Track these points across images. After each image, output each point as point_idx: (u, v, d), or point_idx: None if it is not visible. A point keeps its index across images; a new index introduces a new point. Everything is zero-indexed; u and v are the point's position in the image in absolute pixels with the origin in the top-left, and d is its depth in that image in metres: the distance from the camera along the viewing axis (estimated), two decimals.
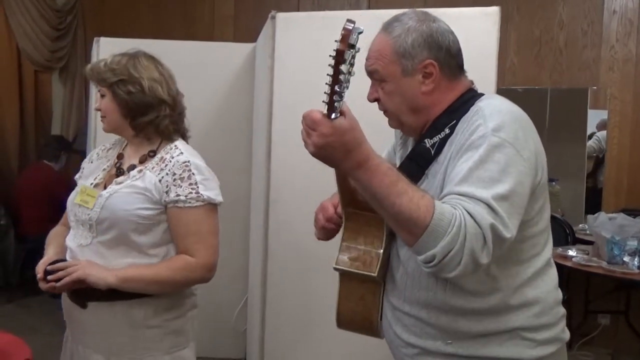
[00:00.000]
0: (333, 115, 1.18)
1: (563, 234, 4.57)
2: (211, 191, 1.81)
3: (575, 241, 4.50)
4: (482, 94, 1.49)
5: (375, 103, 1.51)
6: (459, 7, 2.94)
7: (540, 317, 1.41)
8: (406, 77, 1.43)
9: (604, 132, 4.91)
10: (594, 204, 4.74)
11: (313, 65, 2.77)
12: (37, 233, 5.14)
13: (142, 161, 1.87)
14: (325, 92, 1.18)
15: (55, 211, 5.51)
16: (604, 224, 3.78)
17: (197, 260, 1.78)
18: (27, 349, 1.93)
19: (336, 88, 1.15)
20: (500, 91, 2.89)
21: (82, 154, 5.20)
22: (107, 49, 4.05)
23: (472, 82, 1.51)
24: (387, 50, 1.43)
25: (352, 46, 1.14)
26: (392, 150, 1.70)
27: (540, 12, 4.83)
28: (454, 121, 1.40)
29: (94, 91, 4.01)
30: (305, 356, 3.23)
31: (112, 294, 1.74)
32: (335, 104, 1.17)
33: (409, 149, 1.55)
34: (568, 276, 4.36)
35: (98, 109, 1.90)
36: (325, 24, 2.98)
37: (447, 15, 2.91)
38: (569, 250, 4.02)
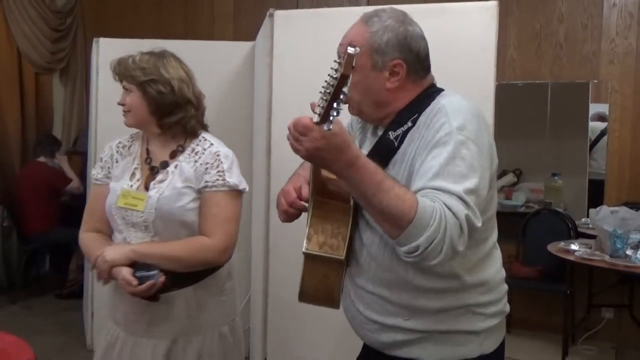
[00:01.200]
0: (325, 127, 1.24)
1: (565, 228, 4.57)
2: (236, 179, 1.93)
3: (578, 235, 4.50)
4: (442, 90, 1.57)
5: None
6: (457, 2, 2.93)
7: (489, 294, 1.55)
8: (374, 72, 1.51)
9: (593, 124, 4.92)
10: (596, 197, 4.74)
11: (312, 62, 2.78)
12: (39, 232, 5.19)
13: (173, 156, 1.96)
14: (319, 105, 1.24)
15: (55, 208, 5.52)
16: (606, 217, 3.78)
17: (213, 241, 1.88)
18: (30, 350, 1.93)
19: (334, 105, 1.21)
20: (501, 86, 2.91)
21: (84, 155, 5.21)
22: (106, 49, 4.06)
23: (433, 79, 1.60)
24: (362, 43, 1.49)
25: (353, 67, 1.19)
26: (349, 126, 1.76)
27: (540, 6, 4.81)
28: (416, 115, 1.50)
29: (94, 93, 4.05)
30: (307, 354, 3.23)
31: (181, 282, 1.88)
32: (331, 117, 1.23)
33: (368, 135, 1.65)
34: (571, 270, 4.37)
35: (122, 104, 1.95)
36: (323, 21, 2.98)
37: (446, 10, 2.95)
38: (572, 245, 4.02)
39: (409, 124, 1.50)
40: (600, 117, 4.88)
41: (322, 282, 1.60)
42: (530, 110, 5.00)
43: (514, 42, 4.86)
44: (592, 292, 4.54)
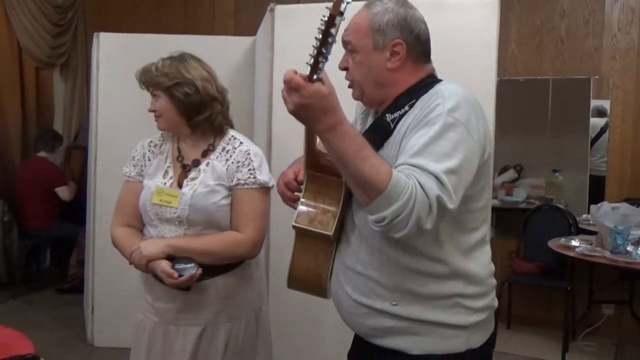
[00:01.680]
0: (315, 77, 1.28)
1: (566, 224, 4.57)
2: (265, 176, 2.03)
3: (579, 231, 4.50)
4: (441, 80, 1.60)
5: (344, 80, 1.62)
6: None
7: (476, 286, 1.56)
8: (375, 52, 1.55)
9: (593, 120, 4.92)
10: (596, 194, 4.73)
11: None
12: (40, 227, 5.20)
13: (204, 155, 2.05)
14: (310, 54, 1.27)
15: (55, 203, 5.52)
16: (607, 213, 3.77)
17: (244, 236, 1.99)
18: (31, 345, 1.94)
19: (323, 50, 1.25)
20: (502, 82, 2.90)
21: (85, 150, 5.22)
22: (107, 44, 4.06)
23: (433, 69, 1.63)
24: (364, 24, 1.55)
25: (342, 13, 1.23)
26: (352, 123, 1.79)
27: (541, 1, 4.80)
28: (414, 100, 1.53)
29: (95, 88, 4.05)
30: (309, 345, 3.23)
31: (212, 271, 1.98)
32: (320, 65, 1.27)
33: (369, 120, 1.68)
34: (572, 266, 4.37)
35: (153, 110, 2.04)
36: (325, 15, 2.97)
37: (447, 5, 2.95)
38: (573, 241, 4.02)
39: (406, 108, 1.53)
40: (600, 112, 4.88)
41: (311, 264, 1.63)
42: (531, 106, 5.00)
43: (515, 37, 4.85)
44: (592, 288, 4.54)
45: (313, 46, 1.26)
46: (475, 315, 1.56)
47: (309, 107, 1.32)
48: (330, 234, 1.56)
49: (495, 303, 1.64)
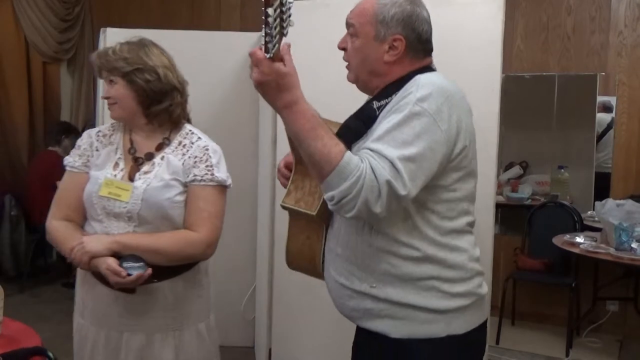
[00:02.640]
0: (267, 55, 1.32)
1: (571, 220, 4.56)
2: (223, 174, 1.91)
3: (584, 228, 4.50)
4: (434, 70, 1.62)
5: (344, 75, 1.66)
6: None
7: (454, 270, 1.56)
8: (375, 42, 1.57)
9: (599, 115, 4.89)
10: (602, 190, 4.72)
11: (318, 53, 2.77)
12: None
13: (159, 148, 1.92)
14: (261, 35, 1.31)
15: None
16: (612, 210, 3.77)
17: (199, 235, 1.85)
18: (37, 337, 1.95)
19: (266, 30, 1.28)
20: (508, 77, 2.90)
21: None
22: (113, 39, 4.03)
23: (431, 62, 1.64)
24: (370, 11, 1.57)
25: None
26: None
27: None
28: (401, 89, 1.54)
29: (102, 82, 4.06)
30: (312, 343, 3.25)
31: (160, 274, 1.80)
32: (268, 45, 1.30)
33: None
34: (576, 263, 4.36)
35: (107, 97, 1.90)
36: (330, 12, 2.97)
37: (452, 1, 2.94)
38: (577, 237, 4.02)
39: (393, 96, 1.54)
40: (606, 108, 4.85)
41: (305, 244, 1.66)
42: (537, 102, 4.99)
43: (521, 33, 4.84)
44: (597, 285, 4.54)
45: (263, 26, 1.30)
46: (455, 300, 1.55)
47: (267, 84, 1.37)
48: (314, 213, 1.59)
49: (482, 290, 1.63)
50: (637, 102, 4.59)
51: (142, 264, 1.75)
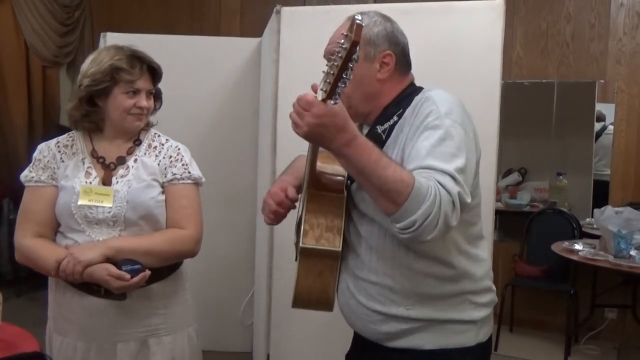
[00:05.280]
0: (332, 102, 1.30)
1: (570, 227, 4.56)
2: (197, 171, 1.95)
3: (582, 235, 4.50)
4: (421, 88, 1.64)
5: None
6: (464, 0, 2.93)
7: (481, 281, 1.61)
8: (366, 63, 1.58)
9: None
10: (602, 197, 4.73)
11: (318, 59, 2.77)
12: None
13: (130, 152, 1.93)
14: (327, 81, 1.29)
15: None
16: (611, 217, 3.77)
17: (188, 232, 1.88)
18: (35, 342, 1.94)
19: (343, 75, 1.25)
20: (507, 84, 2.90)
21: None
22: (114, 44, 4.07)
23: (413, 78, 1.67)
24: None
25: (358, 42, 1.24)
26: None
27: (547, 4, 4.80)
28: (401, 110, 1.57)
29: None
30: (310, 349, 3.24)
31: (150, 277, 1.77)
32: (338, 89, 1.28)
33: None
34: (575, 270, 4.36)
35: (146, 107, 1.90)
36: (330, 18, 2.96)
37: (452, 8, 2.95)
38: (576, 244, 4.02)
39: (395, 118, 1.57)
40: (597, 117, 4.89)
41: (316, 281, 1.62)
42: (536, 109, 5.00)
43: (520, 40, 4.85)
44: (595, 292, 4.54)
45: (327, 71, 1.28)
46: (483, 310, 1.61)
47: (323, 126, 1.33)
48: (339, 249, 1.56)
49: (496, 298, 1.69)
50: (636, 109, 4.61)
51: (139, 266, 1.74)
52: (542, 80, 4.85)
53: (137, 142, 1.94)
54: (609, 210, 3.87)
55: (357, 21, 1.22)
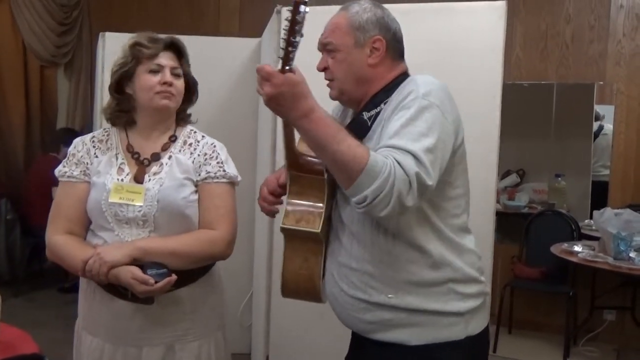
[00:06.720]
0: (287, 67, 1.33)
1: (569, 229, 4.56)
2: (233, 170, 1.88)
3: (581, 237, 4.50)
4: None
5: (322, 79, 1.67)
6: (465, 1, 2.93)
7: (466, 270, 1.60)
8: (357, 48, 1.60)
9: None
10: (600, 199, 4.73)
11: (318, 60, 2.77)
12: (43, 226, 5.19)
13: (165, 148, 1.86)
14: (280, 47, 1.32)
15: None
16: (610, 219, 3.77)
17: (220, 233, 1.80)
18: (33, 343, 1.93)
19: (291, 39, 1.30)
20: (506, 86, 2.89)
21: None
22: (112, 43, 4.05)
23: (406, 68, 1.68)
24: (344, 24, 1.62)
25: (305, 2, 1.29)
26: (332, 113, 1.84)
27: (547, 6, 4.80)
28: (389, 98, 1.58)
29: (100, 87, 4.05)
30: (309, 350, 3.23)
31: (178, 281, 1.71)
32: (290, 55, 1.32)
33: (347, 121, 1.70)
34: (574, 272, 4.36)
35: (170, 84, 1.81)
36: (328, 19, 2.97)
37: (454, 9, 2.95)
38: (575, 246, 4.02)
39: (382, 106, 1.58)
40: (594, 117, 4.90)
41: (302, 266, 1.64)
42: (535, 110, 4.99)
43: (520, 42, 4.85)
44: (594, 293, 4.54)
45: (282, 38, 1.31)
46: (471, 301, 1.60)
47: (281, 96, 1.35)
48: (318, 231, 1.57)
49: (488, 289, 1.69)
50: (635, 111, 4.61)
51: (165, 270, 1.66)
52: (541, 82, 4.85)
53: (173, 139, 1.88)
54: (608, 212, 3.87)
55: None
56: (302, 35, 1.31)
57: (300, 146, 1.59)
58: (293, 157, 1.60)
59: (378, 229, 1.55)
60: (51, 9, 5.85)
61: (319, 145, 1.41)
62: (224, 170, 1.85)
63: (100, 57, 4.00)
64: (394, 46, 1.64)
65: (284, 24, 1.30)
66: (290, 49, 1.31)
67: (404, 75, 1.65)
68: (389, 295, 1.56)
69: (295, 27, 1.28)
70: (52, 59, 5.98)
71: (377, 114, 1.58)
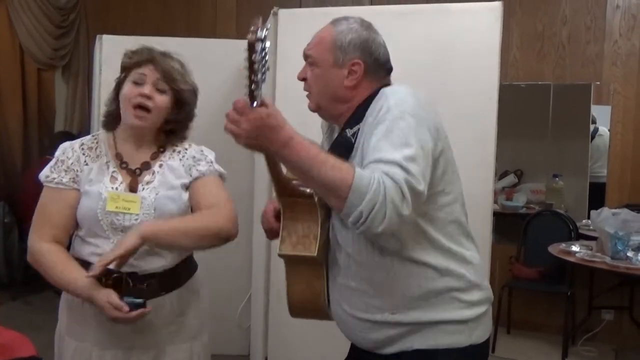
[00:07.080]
0: (254, 104, 1.31)
1: (566, 229, 4.57)
2: (221, 169, 1.93)
3: (579, 237, 4.51)
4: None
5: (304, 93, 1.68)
6: (462, 2, 2.94)
7: (468, 276, 1.58)
8: (335, 68, 1.60)
9: None
10: (597, 199, 4.74)
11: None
12: None
13: (154, 157, 1.88)
14: (245, 85, 1.31)
15: None
16: (608, 219, 3.78)
17: (224, 210, 1.81)
18: (32, 346, 1.94)
19: (253, 77, 1.28)
20: (503, 86, 2.90)
21: None
22: (109, 46, 4.05)
23: (388, 82, 1.66)
24: (328, 40, 1.61)
25: (260, 40, 1.27)
26: (321, 145, 1.81)
27: (543, 6, 4.81)
28: (367, 112, 1.56)
29: (97, 90, 4.05)
30: (308, 352, 3.23)
31: (167, 285, 1.78)
32: (255, 92, 1.30)
33: (334, 136, 1.70)
34: (572, 272, 4.37)
35: (149, 97, 1.79)
36: (327, 20, 2.97)
37: (450, 10, 2.95)
38: (573, 246, 4.03)
39: (363, 120, 1.56)
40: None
41: (306, 290, 1.65)
42: (532, 111, 5.00)
43: (516, 42, 4.86)
44: (592, 293, 4.54)
45: (245, 76, 1.30)
46: (475, 308, 1.58)
47: (258, 130, 1.33)
48: (315, 254, 1.56)
49: (491, 295, 1.66)
50: (631, 111, 4.62)
51: (142, 300, 1.67)
52: (538, 82, 4.86)
53: (162, 150, 1.90)
54: (605, 211, 3.88)
55: (253, 24, 1.26)
56: (268, 69, 1.30)
57: (288, 172, 1.57)
58: (282, 184, 1.59)
59: (374, 249, 1.54)
60: (48, 11, 5.84)
61: (304, 170, 1.39)
62: (214, 168, 1.90)
63: (98, 59, 4.00)
64: (374, 70, 1.62)
65: (244, 64, 1.28)
66: (253, 87, 1.29)
67: (385, 85, 1.63)
68: (392, 312, 1.56)
69: (254, 66, 1.27)
70: (49, 62, 5.98)
71: (360, 129, 1.57)
